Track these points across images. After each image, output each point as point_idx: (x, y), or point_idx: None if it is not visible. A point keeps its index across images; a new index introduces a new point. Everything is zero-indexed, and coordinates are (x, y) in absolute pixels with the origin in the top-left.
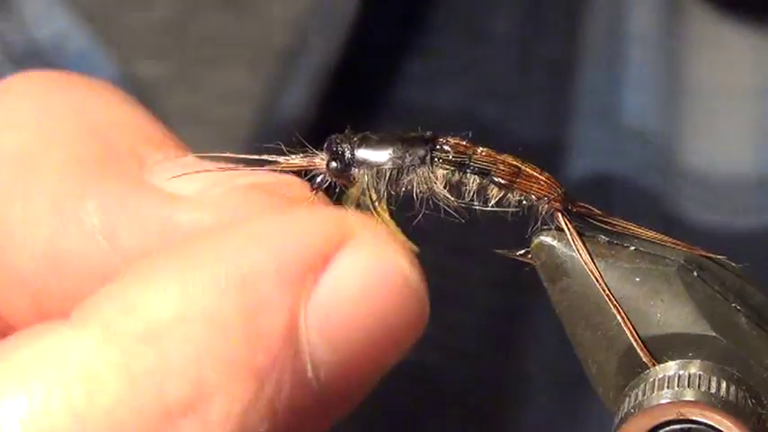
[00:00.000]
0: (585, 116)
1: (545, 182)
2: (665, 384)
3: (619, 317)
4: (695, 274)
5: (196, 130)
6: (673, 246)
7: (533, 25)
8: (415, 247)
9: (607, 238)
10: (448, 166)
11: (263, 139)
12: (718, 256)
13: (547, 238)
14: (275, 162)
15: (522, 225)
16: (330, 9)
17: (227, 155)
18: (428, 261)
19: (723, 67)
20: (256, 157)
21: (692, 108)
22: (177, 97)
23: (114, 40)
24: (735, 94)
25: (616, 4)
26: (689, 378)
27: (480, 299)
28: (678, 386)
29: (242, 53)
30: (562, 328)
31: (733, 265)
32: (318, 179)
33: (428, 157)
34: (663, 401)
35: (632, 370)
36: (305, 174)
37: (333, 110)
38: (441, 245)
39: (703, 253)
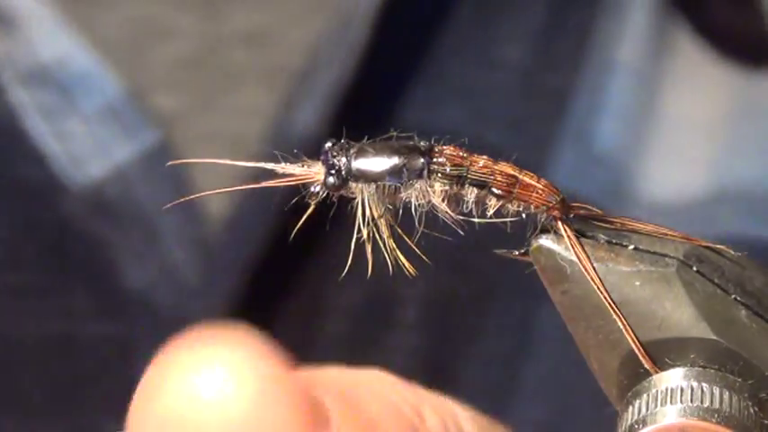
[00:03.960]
0: (562, 139)
1: (543, 189)
2: (668, 399)
3: (620, 323)
4: (694, 269)
5: (210, 146)
6: (672, 238)
7: (541, 55)
8: (412, 269)
9: (606, 238)
10: (446, 180)
11: (274, 154)
12: (718, 246)
13: (546, 242)
14: (273, 170)
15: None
16: (343, 34)
17: (225, 161)
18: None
19: (697, 102)
20: (254, 164)
21: (660, 139)
22: (193, 120)
23: (132, 73)
24: (705, 128)
25: (611, 33)
26: (692, 392)
27: (405, 344)
28: (681, 401)
29: (258, 76)
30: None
31: (731, 252)
32: (316, 189)
33: (425, 172)
34: (666, 422)
35: (634, 370)
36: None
37: (342, 128)
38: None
39: (702, 243)
